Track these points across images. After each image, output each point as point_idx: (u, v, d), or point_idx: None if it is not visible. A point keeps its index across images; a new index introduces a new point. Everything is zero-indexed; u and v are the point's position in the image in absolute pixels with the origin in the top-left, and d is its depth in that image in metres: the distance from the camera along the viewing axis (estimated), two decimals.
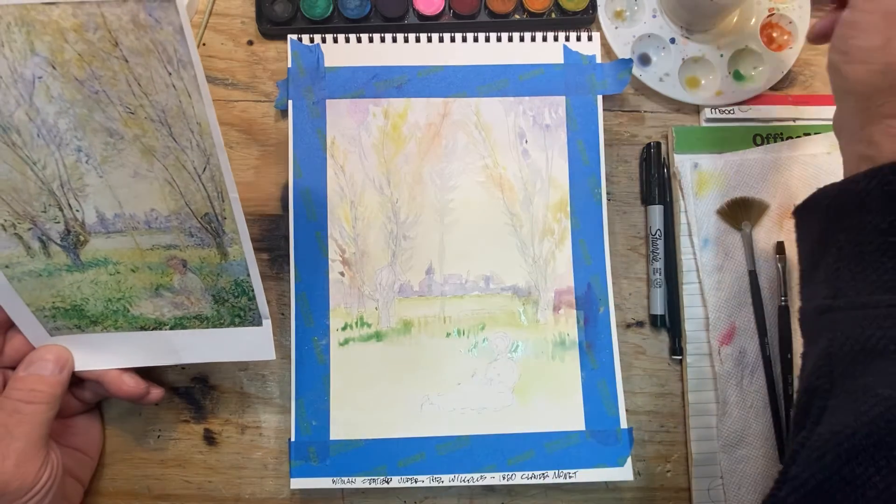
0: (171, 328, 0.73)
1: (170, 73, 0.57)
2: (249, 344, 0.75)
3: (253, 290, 0.72)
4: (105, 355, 0.73)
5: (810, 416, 0.55)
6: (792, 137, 0.86)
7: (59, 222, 0.65)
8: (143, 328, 0.73)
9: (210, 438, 0.82)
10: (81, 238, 0.66)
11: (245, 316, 0.73)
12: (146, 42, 0.56)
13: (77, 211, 0.65)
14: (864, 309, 0.54)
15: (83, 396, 0.77)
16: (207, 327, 0.74)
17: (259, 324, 0.74)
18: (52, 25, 0.55)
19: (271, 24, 0.85)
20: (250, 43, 0.87)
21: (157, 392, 0.76)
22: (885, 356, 0.52)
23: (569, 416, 0.81)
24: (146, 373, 0.77)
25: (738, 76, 0.87)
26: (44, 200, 0.64)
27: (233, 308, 0.73)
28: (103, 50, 0.56)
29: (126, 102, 0.59)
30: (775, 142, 0.86)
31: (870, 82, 0.59)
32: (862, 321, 0.54)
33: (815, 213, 0.62)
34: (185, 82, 0.58)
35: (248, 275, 0.70)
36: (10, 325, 0.72)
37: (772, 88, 0.88)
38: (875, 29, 0.59)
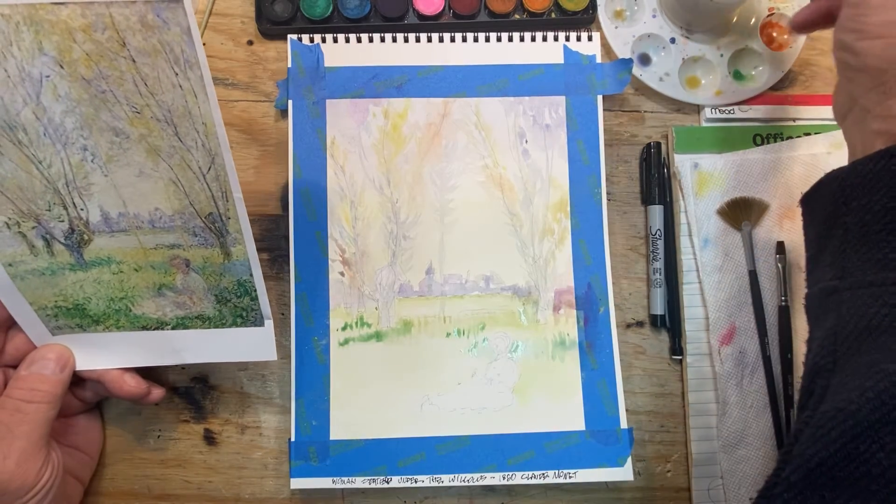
0: (173, 328, 0.74)
1: (176, 74, 0.58)
2: (251, 344, 0.76)
3: (255, 291, 0.72)
4: (106, 355, 0.74)
5: (814, 396, 0.55)
6: (792, 137, 0.86)
7: (63, 221, 0.66)
8: (144, 328, 0.74)
9: (210, 438, 0.83)
10: (85, 237, 0.67)
11: (247, 316, 0.74)
12: (154, 42, 0.57)
13: (81, 210, 0.65)
14: (870, 287, 0.55)
15: (84, 396, 0.78)
16: (209, 327, 0.74)
17: (261, 324, 0.75)
18: (61, 25, 0.56)
19: (271, 24, 0.86)
20: (250, 43, 0.88)
21: (157, 392, 0.77)
22: (890, 332, 0.52)
23: (569, 416, 0.81)
24: (147, 373, 0.77)
25: (738, 76, 0.88)
26: (48, 199, 0.64)
27: (235, 308, 0.73)
28: (111, 50, 0.57)
29: (132, 102, 0.60)
30: (775, 142, 0.86)
31: (889, 56, 0.60)
32: (867, 299, 0.54)
33: (822, 198, 0.63)
34: (192, 83, 0.59)
35: (251, 275, 0.71)
36: (11, 324, 0.72)
37: (772, 88, 0.88)
38: (889, 4, 0.60)
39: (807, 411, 0.55)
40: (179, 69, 0.58)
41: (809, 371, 0.58)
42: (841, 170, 0.61)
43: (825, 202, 0.62)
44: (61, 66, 0.58)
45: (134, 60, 0.58)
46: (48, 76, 0.58)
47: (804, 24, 0.76)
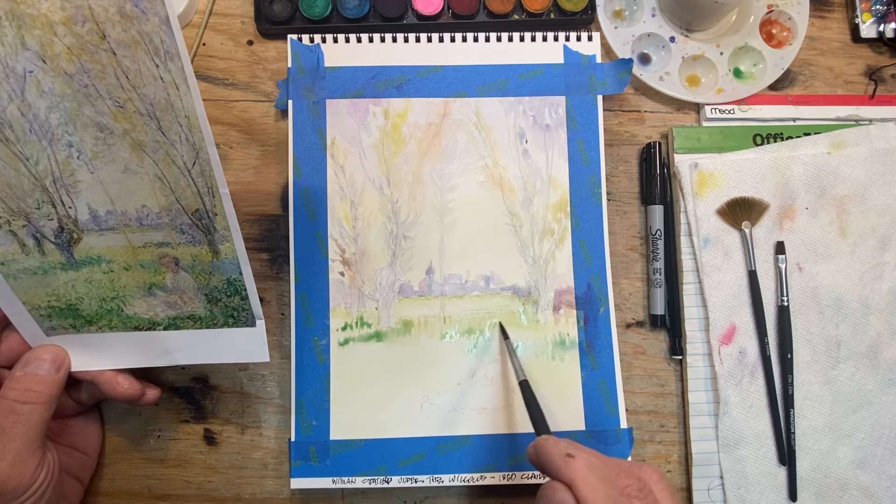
0: (165, 328, 0.71)
1: (157, 66, 0.55)
2: (243, 345, 0.72)
3: (245, 290, 0.69)
4: (100, 356, 0.71)
5: None
6: (792, 137, 0.84)
7: (52, 219, 0.63)
8: (137, 328, 0.70)
9: (210, 438, 0.80)
10: (75, 235, 0.64)
11: (238, 316, 0.71)
12: (133, 34, 0.54)
13: (70, 208, 0.62)
14: None
15: (79, 398, 0.75)
16: (201, 328, 0.71)
17: (252, 324, 0.72)
18: (42, 19, 0.53)
19: (270, 24, 0.83)
20: (250, 43, 0.85)
21: (152, 394, 0.74)
22: None
23: (569, 416, 0.79)
24: (145, 373, 0.75)
25: (738, 73, 0.86)
26: (37, 197, 0.61)
27: (226, 308, 0.70)
28: (91, 43, 0.54)
29: (115, 96, 0.57)
30: (775, 142, 0.84)
31: None
32: None
33: None
34: (173, 74, 0.56)
35: (241, 273, 0.68)
36: (5, 325, 0.70)
37: (772, 88, 0.86)
38: None
39: None
40: (160, 60, 0.55)
41: None
42: None
43: None
44: (44, 61, 0.55)
45: (114, 53, 0.55)
46: (31, 71, 0.55)
47: None
